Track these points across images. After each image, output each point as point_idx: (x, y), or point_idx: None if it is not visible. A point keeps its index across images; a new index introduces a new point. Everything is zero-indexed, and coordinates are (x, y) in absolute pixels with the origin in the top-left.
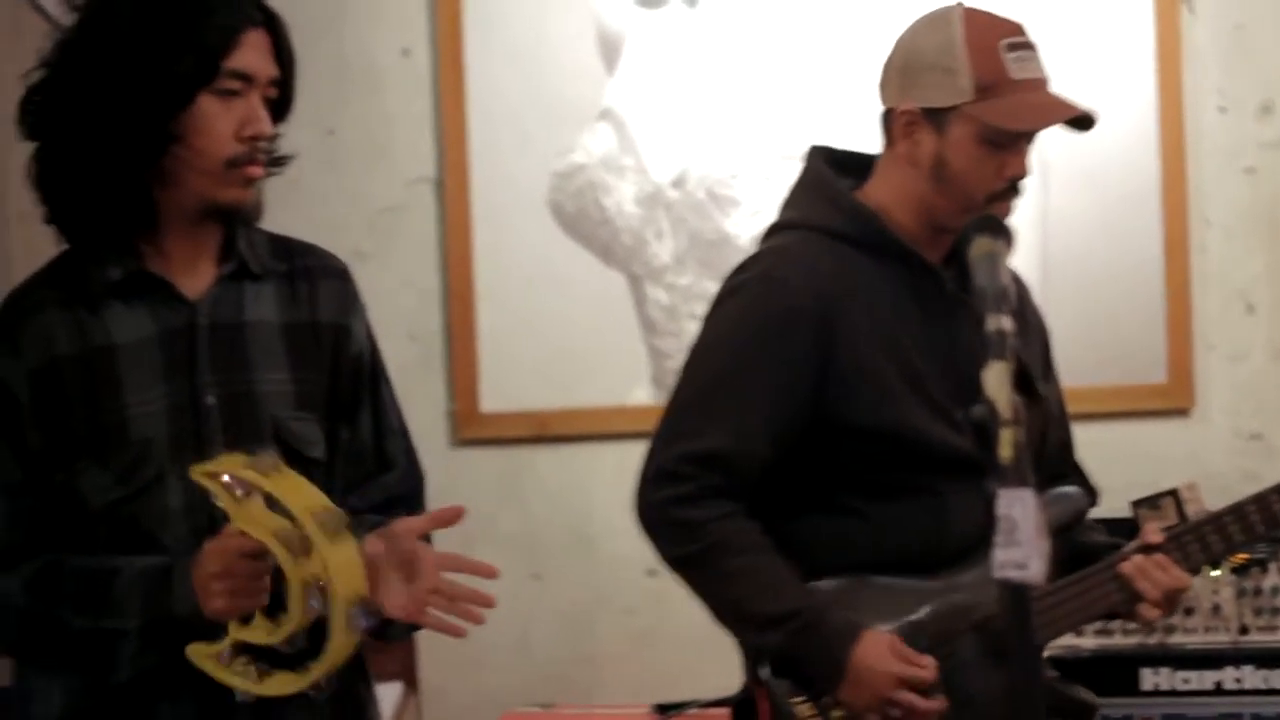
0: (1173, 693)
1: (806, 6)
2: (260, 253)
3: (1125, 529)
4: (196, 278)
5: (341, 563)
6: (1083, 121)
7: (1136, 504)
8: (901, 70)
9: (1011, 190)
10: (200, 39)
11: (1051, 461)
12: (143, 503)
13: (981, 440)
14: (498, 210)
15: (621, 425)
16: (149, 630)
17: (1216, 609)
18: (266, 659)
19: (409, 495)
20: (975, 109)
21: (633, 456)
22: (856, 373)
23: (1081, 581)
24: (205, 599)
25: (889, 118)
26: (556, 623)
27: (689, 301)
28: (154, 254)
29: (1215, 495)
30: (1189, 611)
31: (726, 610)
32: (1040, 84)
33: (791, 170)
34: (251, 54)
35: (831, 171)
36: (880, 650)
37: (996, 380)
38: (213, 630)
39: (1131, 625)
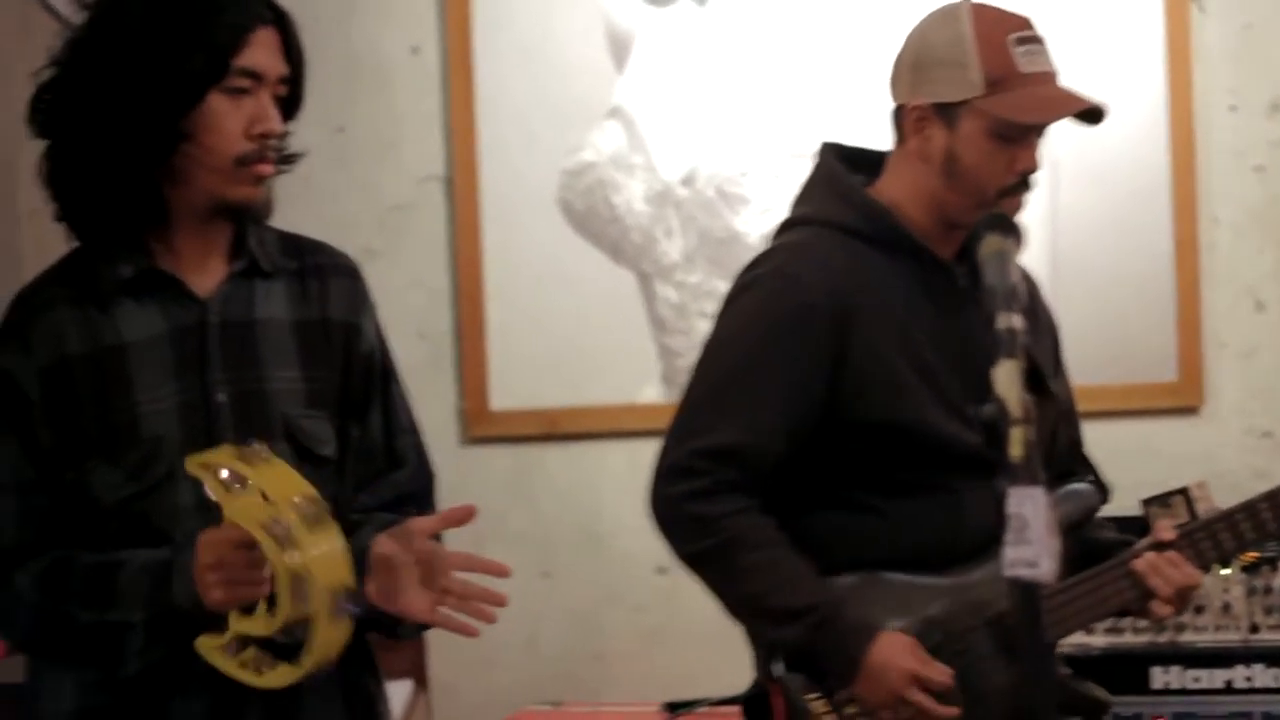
0: (1183, 691)
1: (816, 5)
2: (271, 250)
3: (1136, 527)
4: (207, 275)
5: (321, 552)
6: (1093, 114)
7: (1147, 502)
8: (912, 66)
9: (1023, 185)
10: (210, 37)
11: (1062, 459)
12: (154, 500)
13: (992, 439)
14: (507, 208)
15: (631, 423)
16: (154, 623)
17: (1227, 607)
18: (274, 651)
19: (419, 493)
20: (985, 103)
21: (642, 454)
22: (869, 368)
23: (1093, 578)
24: (204, 590)
25: (900, 114)
26: (566, 621)
27: (698, 299)
28: (164, 252)
29: (1225, 493)
30: (1199, 610)
31: (742, 606)
32: (1049, 77)
33: (801, 168)
34: (261, 52)
35: (843, 168)
36: (897, 647)
37: (1007, 379)
38: (217, 622)
39: (1142, 623)
